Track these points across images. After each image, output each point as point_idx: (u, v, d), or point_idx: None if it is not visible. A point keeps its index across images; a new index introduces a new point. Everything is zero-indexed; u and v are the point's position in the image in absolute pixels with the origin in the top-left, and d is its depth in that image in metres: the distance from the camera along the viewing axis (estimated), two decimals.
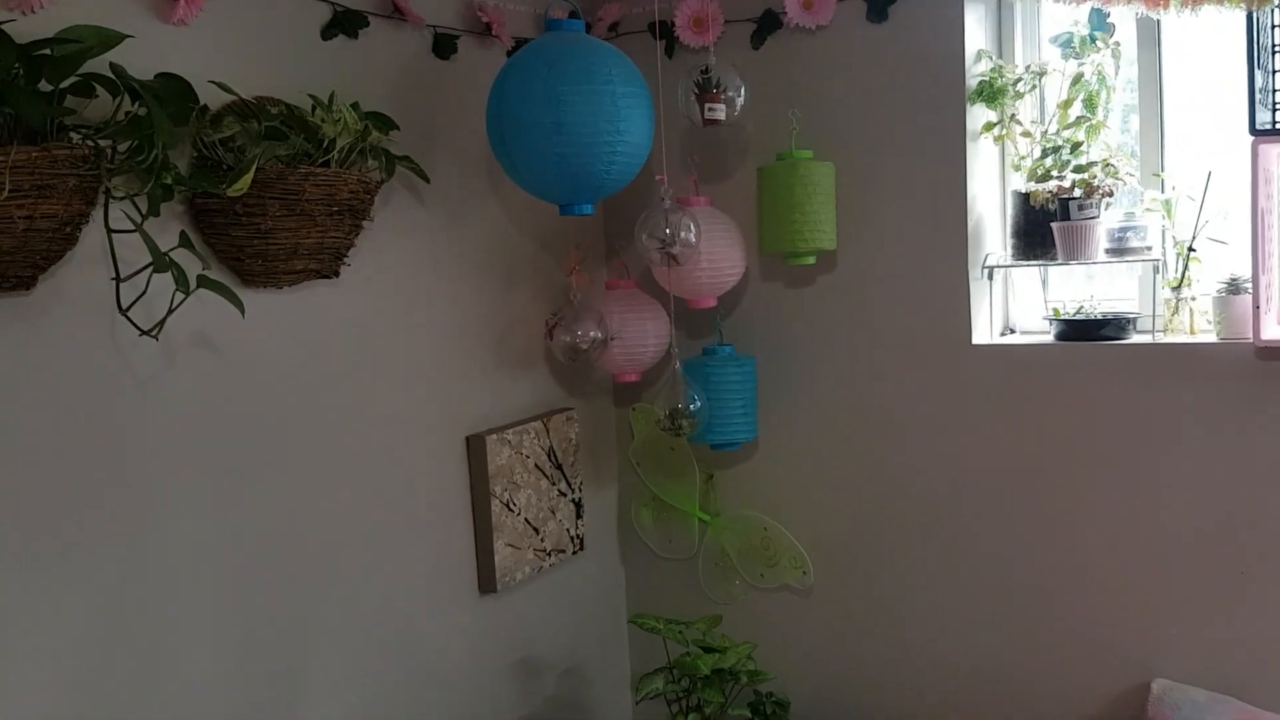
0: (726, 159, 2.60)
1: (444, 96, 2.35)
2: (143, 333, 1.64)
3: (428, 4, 2.29)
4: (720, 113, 2.21)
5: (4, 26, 1.46)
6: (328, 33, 2.09)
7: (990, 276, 2.44)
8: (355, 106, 2.00)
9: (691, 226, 2.24)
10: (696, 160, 2.53)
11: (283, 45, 2.01)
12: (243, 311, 1.73)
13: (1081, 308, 2.40)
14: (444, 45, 2.34)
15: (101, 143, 1.58)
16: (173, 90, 1.67)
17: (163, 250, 1.64)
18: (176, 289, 1.60)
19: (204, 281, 1.66)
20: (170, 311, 1.65)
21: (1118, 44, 2.36)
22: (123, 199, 1.64)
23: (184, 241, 1.69)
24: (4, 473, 1.60)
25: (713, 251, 2.38)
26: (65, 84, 1.54)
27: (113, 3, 1.72)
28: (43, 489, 1.64)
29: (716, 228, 2.39)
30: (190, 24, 1.83)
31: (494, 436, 2.43)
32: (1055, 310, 2.42)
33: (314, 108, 1.95)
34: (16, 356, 1.61)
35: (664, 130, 2.20)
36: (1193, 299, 2.27)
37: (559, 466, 2.63)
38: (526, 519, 2.53)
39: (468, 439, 2.41)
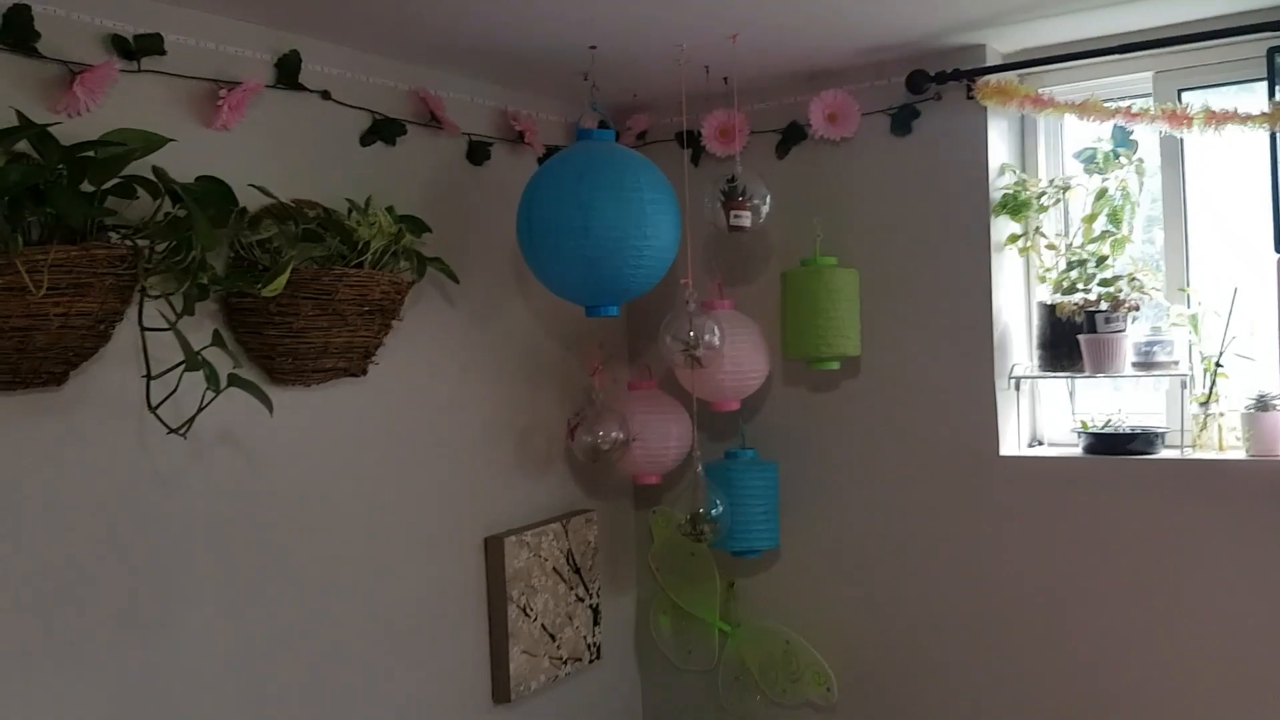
0: (751, 264, 2.63)
1: (476, 201, 2.39)
2: (171, 430, 1.64)
3: (463, 113, 2.35)
4: (745, 220, 2.24)
5: (51, 129, 1.50)
6: (367, 139, 2.14)
7: (1018, 387, 2.43)
8: (390, 210, 2.03)
9: (715, 329, 2.25)
10: (721, 264, 2.56)
11: (323, 151, 2.06)
12: (271, 411, 1.73)
13: (1109, 421, 2.38)
14: (478, 152, 2.39)
15: (140, 243, 1.61)
16: (212, 193, 1.71)
17: (195, 348, 1.66)
18: (207, 388, 1.60)
19: (235, 381, 1.67)
20: (200, 410, 1.65)
21: (1141, 160, 2.38)
22: (158, 298, 1.66)
23: (217, 340, 1.71)
24: (28, 564, 1.59)
25: (736, 354, 2.38)
26: (107, 185, 1.58)
27: (157, 108, 1.78)
28: (65, 582, 1.63)
29: (740, 331, 2.40)
30: (233, 129, 1.88)
31: (513, 538, 2.40)
32: (1084, 423, 2.40)
33: (350, 211, 1.99)
34: (45, 451, 1.62)
35: (690, 235, 2.22)
36: (1221, 415, 2.25)
37: (577, 570, 2.60)
38: (543, 625, 2.48)
39: (486, 540, 2.39)
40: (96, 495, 1.68)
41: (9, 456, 1.58)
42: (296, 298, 1.85)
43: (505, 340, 2.46)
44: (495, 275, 2.44)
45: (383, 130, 2.16)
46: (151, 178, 1.63)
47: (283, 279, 1.76)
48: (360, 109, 2.12)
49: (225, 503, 1.87)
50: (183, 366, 1.62)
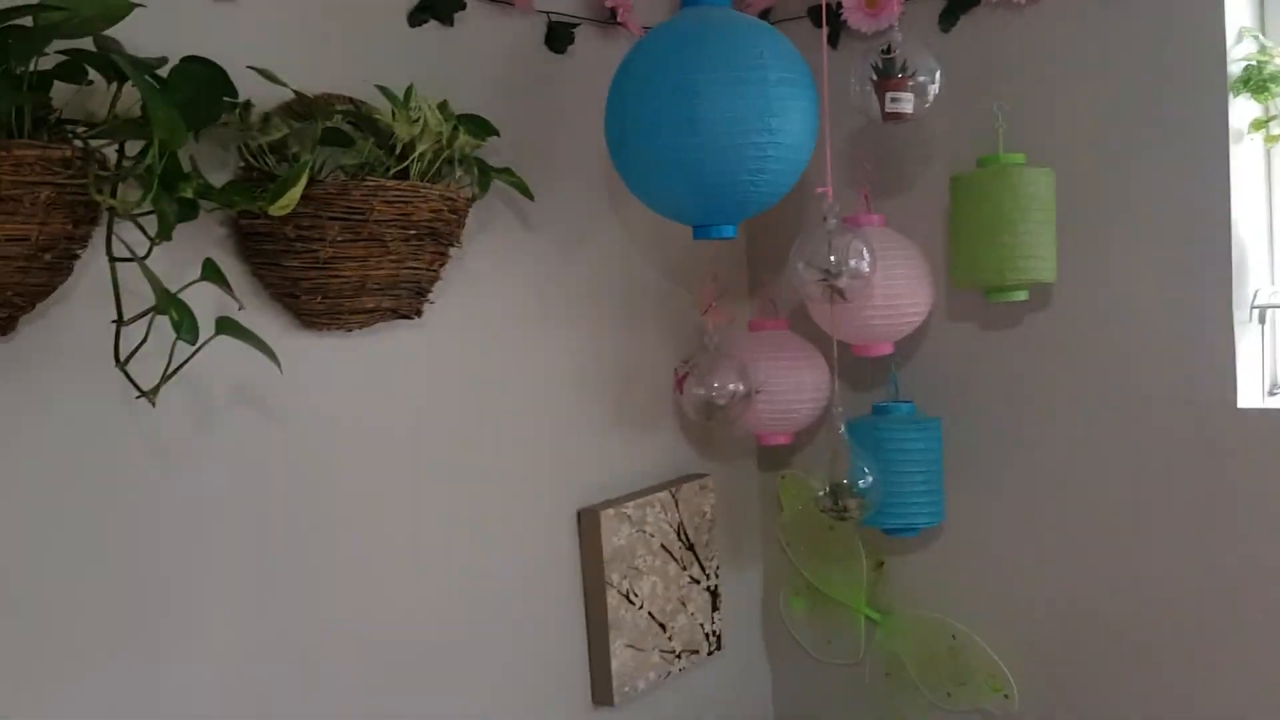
0: (908, 167, 2.10)
1: (557, 97, 1.94)
2: (141, 394, 1.24)
3: None
4: (907, 104, 1.71)
5: None
6: (416, 17, 1.70)
7: (1261, 319, 1.86)
8: (443, 106, 1.60)
9: (864, 253, 1.75)
10: (869, 168, 2.04)
11: (360, 32, 1.62)
12: (279, 365, 1.32)
13: None
14: (559, 36, 1.92)
15: (94, 143, 1.20)
16: (195, 77, 1.28)
17: (185, 284, 1.26)
18: (178, 337, 1.19)
19: (225, 327, 1.26)
20: (176, 368, 1.25)
21: None
22: (130, 219, 1.25)
23: (209, 273, 1.30)
24: None
25: (890, 285, 1.88)
26: (48, 67, 1.17)
27: None
28: (35, 594, 1.26)
29: (895, 254, 1.89)
30: (241, 2, 1.46)
31: (611, 511, 1.97)
32: None
33: (392, 110, 1.55)
34: None
35: (828, 132, 1.73)
36: None
37: (690, 547, 2.16)
38: (650, 613, 2.06)
39: (579, 514, 1.97)
40: (67, 474, 1.30)
41: None
42: (321, 218, 1.43)
43: (596, 272, 2.01)
44: (583, 190, 1.99)
45: (437, 5, 1.71)
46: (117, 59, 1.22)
47: (295, 191, 1.33)
48: None
49: (246, 480, 1.48)
50: (157, 309, 1.21)
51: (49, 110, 1.19)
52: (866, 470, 1.85)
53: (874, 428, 1.99)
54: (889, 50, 1.73)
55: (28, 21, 1.11)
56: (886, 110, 1.71)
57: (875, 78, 1.72)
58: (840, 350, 1.91)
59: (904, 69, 1.72)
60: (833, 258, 1.73)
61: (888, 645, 2.21)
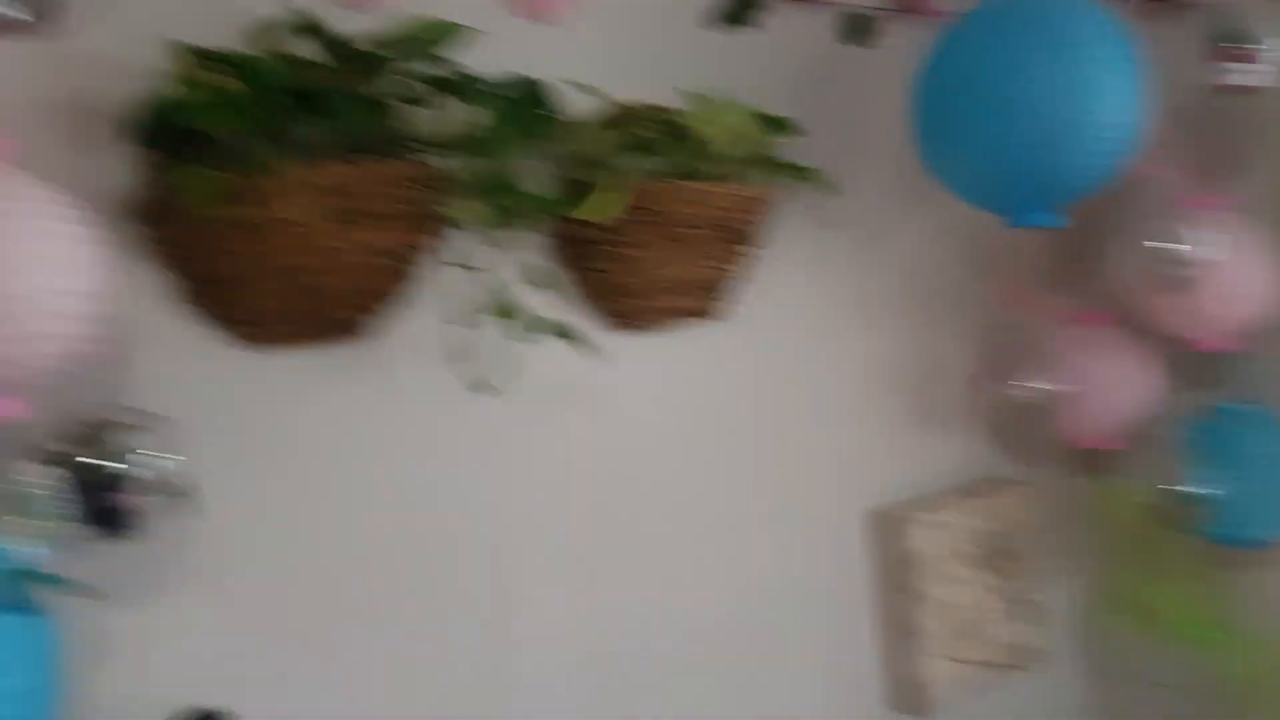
0: (1251, 145, 1.90)
1: (857, 91, 1.90)
2: (480, 387, 1.33)
3: None
4: (1250, 75, 1.54)
5: (337, 26, 1.22)
6: (726, 20, 1.73)
7: None
8: (745, 106, 1.61)
9: (1204, 238, 1.60)
10: (1202, 150, 1.86)
11: (664, 39, 1.67)
12: (600, 361, 1.38)
13: None
14: (858, 28, 1.89)
15: (434, 160, 1.31)
16: (523, 94, 1.37)
17: (516, 288, 1.34)
18: (512, 336, 1.27)
19: (547, 326, 1.34)
20: (510, 365, 1.33)
21: None
22: (463, 227, 1.35)
23: (535, 277, 1.38)
24: (330, 557, 1.35)
25: (1234, 272, 1.70)
26: (394, 90, 1.28)
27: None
28: (377, 578, 1.39)
29: (1238, 239, 1.72)
30: (557, 22, 1.54)
31: (912, 513, 1.91)
32: None
33: (697, 114, 1.58)
34: (342, 417, 1.36)
35: (1161, 109, 1.59)
36: None
37: (1000, 554, 2.05)
38: (956, 621, 1.97)
39: (878, 516, 1.92)
40: (419, 463, 1.42)
41: (311, 425, 1.34)
42: (631, 223, 1.48)
43: (897, 267, 1.96)
44: (883, 185, 1.94)
45: (737, 7, 1.73)
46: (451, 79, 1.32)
47: (610, 198, 1.40)
48: None
49: (563, 473, 1.56)
50: (488, 311, 1.30)
51: (396, 130, 1.31)
52: (1207, 477, 1.69)
53: (1216, 431, 1.81)
54: (1228, 19, 1.56)
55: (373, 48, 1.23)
56: (1230, 84, 1.55)
57: (1213, 49, 1.57)
58: (1174, 345, 1.76)
59: (1249, 38, 1.55)
60: (1167, 245, 1.60)
61: (1229, 668, 2.00)
